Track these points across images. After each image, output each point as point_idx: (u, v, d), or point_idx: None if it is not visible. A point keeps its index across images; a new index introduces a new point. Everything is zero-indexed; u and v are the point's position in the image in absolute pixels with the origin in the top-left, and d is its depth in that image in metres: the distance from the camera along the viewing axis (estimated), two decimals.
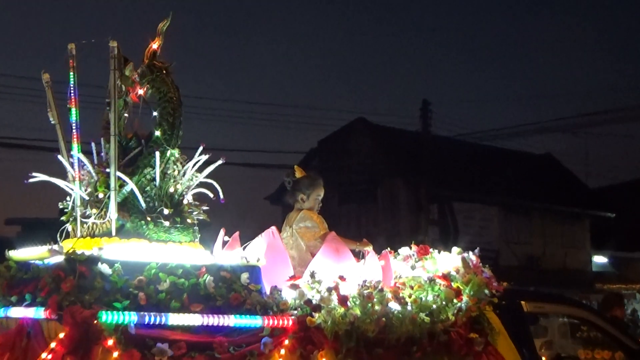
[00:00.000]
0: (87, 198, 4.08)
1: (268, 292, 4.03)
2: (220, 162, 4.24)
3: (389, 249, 4.79)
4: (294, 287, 4.09)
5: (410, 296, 4.30)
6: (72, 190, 4.12)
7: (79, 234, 4.07)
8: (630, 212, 24.10)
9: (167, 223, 4.04)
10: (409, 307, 4.21)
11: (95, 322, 3.40)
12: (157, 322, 3.54)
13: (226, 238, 4.52)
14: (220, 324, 3.69)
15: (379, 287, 4.16)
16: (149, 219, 4.01)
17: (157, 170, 4.07)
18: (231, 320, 3.72)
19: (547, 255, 23.24)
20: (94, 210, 4.01)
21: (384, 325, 4.07)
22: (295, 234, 4.70)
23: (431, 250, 4.82)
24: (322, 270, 4.17)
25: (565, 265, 23.47)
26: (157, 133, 4.14)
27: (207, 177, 4.24)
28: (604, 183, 27.26)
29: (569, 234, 23.93)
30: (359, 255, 4.56)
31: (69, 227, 4.15)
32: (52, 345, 3.41)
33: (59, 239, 4.09)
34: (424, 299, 4.33)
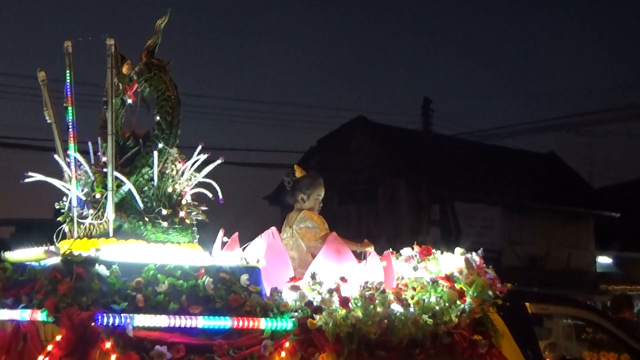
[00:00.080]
0: (84, 198, 4.07)
1: (268, 294, 4.00)
2: (219, 161, 4.23)
3: (390, 249, 4.75)
4: (295, 288, 4.06)
5: (412, 298, 4.28)
6: (69, 190, 4.10)
7: (75, 234, 4.06)
8: (635, 211, 24.00)
9: (165, 224, 4.03)
10: (411, 309, 4.19)
11: (93, 324, 3.37)
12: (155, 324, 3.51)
13: (225, 239, 4.51)
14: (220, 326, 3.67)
15: (381, 289, 4.13)
16: (147, 219, 4.00)
17: (155, 169, 4.05)
18: (230, 322, 3.69)
19: (550, 256, 23.16)
20: (91, 211, 4.00)
21: (386, 327, 4.04)
22: (295, 234, 4.68)
23: (434, 251, 4.79)
24: (323, 272, 4.15)
25: (569, 266, 23.40)
26: (155, 132, 4.11)
27: (205, 176, 4.23)
28: (609, 182, 27.21)
29: (572, 234, 23.86)
30: (360, 257, 4.54)
31: (65, 227, 4.13)
32: (49, 348, 3.39)
33: (55, 240, 4.08)
34: (426, 300, 4.30)
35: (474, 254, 4.75)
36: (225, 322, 3.69)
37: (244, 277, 3.91)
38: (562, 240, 23.44)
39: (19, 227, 18.24)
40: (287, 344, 3.80)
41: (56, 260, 3.63)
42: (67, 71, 4.10)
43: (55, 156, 4.16)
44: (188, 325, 3.59)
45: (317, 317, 3.91)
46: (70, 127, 4.11)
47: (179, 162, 4.19)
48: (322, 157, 22.26)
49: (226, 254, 4.25)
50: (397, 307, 4.13)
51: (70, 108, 4.11)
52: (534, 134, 23.78)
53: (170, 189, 4.10)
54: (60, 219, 4.14)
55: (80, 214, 4.04)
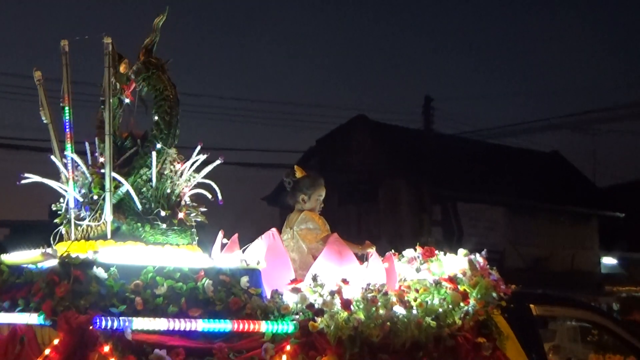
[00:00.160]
0: (81, 200, 4.05)
1: (269, 296, 3.98)
2: (218, 161, 4.21)
3: (392, 251, 4.72)
4: (296, 290, 4.03)
5: (415, 300, 4.25)
6: (66, 191, 4.09)
7: (73, 236, 4.04)
8: None
9: (164, 225, 4.02)
10: (414, 311, 4.16)
11: (91, 327, 3.34)
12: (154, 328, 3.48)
13: (225, 240, 4.50)
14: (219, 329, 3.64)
15: (383, 291, 4.10)
16: (145, 221, 3.99)
17: (154, 170, 4.03)
18: (230, 325, 3.66)
19: (554, 257, 23.08)
20: (89, 213, 3.98)
21: (388, 329, 4.01)
22: (296, 235, 4.66)
23: (436, 252, 4.76)
24: (325, 273, 4.12)
25: (573, 267, 23.32)
26: (154, 132, 4.09)
27: (204, 177, 4.22)
28: (613, 182, 27.18)
29: (577, 235, 23.79)
30: (362, 258, 4.51)
31: (62, 229, 4.11)
32: (47, 352, 3.36)
33: (52, 242, 4.07)
34: (429, 302, 4.27)
35: (477, 255, 4.72)
36: (225, 325, 3.67)
37: (244, 279, 3.89)
38: (566, 241, 23.36)
39: (15, 229, 18.25)
40: (288, 347, 3.77)
41: (53, 262, 3.60)
42: (64, 70, 4.08)
43: (52, 157, 4.13)
44: (187, 329, 3.57)
45: (319, 319, 3.88)
46: (67, 127, 4.11)
47: (178, 163, 4.17)
48: (322, 157, 22.19)
49: (226, 256, 4.24)
50: (399, 310, 4.10)
51: (67, 108, 4.10)
52: (536, 132, 23.80)
53: (168, 190, 4.08)
54: (57, 220, 4.13)
55: (78, 215, 4.02)
